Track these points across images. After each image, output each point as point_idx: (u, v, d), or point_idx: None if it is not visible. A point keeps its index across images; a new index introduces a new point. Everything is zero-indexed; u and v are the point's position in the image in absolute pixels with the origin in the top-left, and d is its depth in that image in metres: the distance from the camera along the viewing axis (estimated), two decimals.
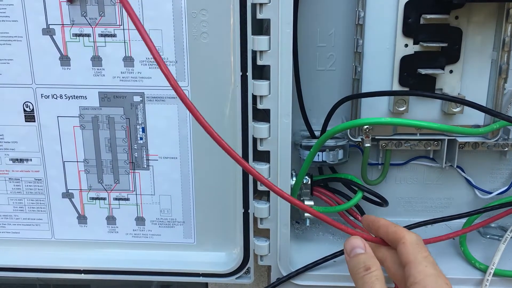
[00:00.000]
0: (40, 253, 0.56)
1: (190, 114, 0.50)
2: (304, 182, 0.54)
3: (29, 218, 0.56)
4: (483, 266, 0.52)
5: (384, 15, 0.51)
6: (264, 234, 0.52)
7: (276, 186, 0.41)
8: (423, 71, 0.51)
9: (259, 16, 0.45)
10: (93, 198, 0.54)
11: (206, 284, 0.63)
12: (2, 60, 0.50)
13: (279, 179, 0.49)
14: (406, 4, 0.50)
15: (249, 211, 0.51)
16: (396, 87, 0.52)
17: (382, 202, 0.54)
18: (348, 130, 0.55)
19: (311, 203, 0.54)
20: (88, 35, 0.49)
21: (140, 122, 0.51)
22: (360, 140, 0.55)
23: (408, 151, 0.58)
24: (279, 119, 0.47)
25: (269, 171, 0.49)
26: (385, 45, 0.52)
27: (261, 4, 0.44)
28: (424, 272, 0.39)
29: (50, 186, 0.54)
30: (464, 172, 0.59)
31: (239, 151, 0.49)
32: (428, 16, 0.50)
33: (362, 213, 0.57)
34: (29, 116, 0.52)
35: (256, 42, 0.46)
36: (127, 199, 0.54)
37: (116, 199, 0.54)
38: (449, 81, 0.52)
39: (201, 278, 0.54)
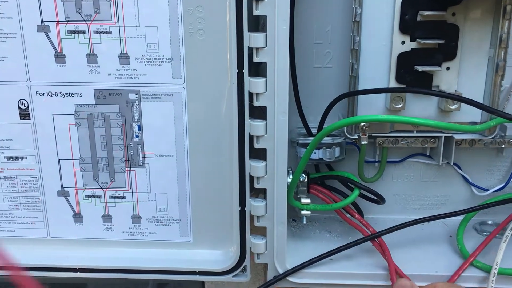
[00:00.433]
0: (35, 251, 0.55)
1: (187, 112, 0.50)
2: (301, 179, 0.53)
3: (24, 217, 0.55)
4: (480, 264, 0.52)
5: (381, 11, 0.51)
6: (261, 232, 0.52)
7: None
8: (420, 68, 0.51)
9: (256, 12, 0.45)
10: (88, 196, 0.54)
11: (203, 282, 0.63)
12: None
13: (275, 176, 0.49)
14: (403, 1, 0.50)
15: (245, 209, 0.51)
16: (393, 84, 0.52)
17: (379, 199, 0.54)
18: (345, 127, 0.55)
19: (308, 200, 0.54)
20: (83, 32, 0.48)
21: (136, 120, 0.51)
22: (356, 137, 0.55)
23: (405, 149, 0.58)
24: (275, 117, 0.47)
25: (265, 168, 0.49)
26: (382, 42, 0.52)
27: (257, 1, 0.44)
28: None
29: (45, 184, 0.54)
30: (460, 169, 0.59)
31: (235, 149, 0.49)
32: (425, 13, 0.49)
33: (359, 210, 0.57)
34: (24, 114, 0.51)
35: (253, 39, 0.45)
36: (123, 197, 0.54)
37: (112, 197, 0.54)
38: (446, 78, 0.52)
39: (197, 276, 0.54)
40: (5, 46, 0.49)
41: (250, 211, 0.51)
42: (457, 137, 0.54)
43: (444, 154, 0.55)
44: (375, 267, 0.53)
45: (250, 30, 0.46)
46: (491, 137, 0.54)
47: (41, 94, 0.51)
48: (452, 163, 0.56)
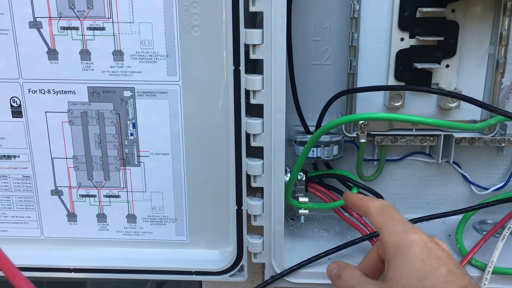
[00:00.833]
0: (29, 251, 0.55)
1: (182, 110, 0.49)
2: (299, 178, 0.53)
3: (17, 216, 0.54)
4: (479, 263, 0.52)
5: (380, 8, 0.50)
6: (258, 231, 0.52)
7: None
8: (419, 66, 0.50)
9: (252, 9, 0.44)
10: (82, 196, 0.53)
11: (200, 282, 0.63)
12: None
13: (272, 175, 0.48)
14: None
15: (242, 208, 0.50)
16: (392, 81, 0.52)
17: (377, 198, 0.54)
18: (343, 125, 0.54)
19: (306, 199, 0.53)
20: (76, 28, 0.47)
21: (130, 118, 0.50)
22: (355, 135, 0.54)
23: (404, 147, 0.57)
24: (272, 115, 0.46)
25: (262, 167, 0.48)
26: (381, 39, 0.51)
27: None
28: (393, 232, 0.38)
29: (38, 183, 0.53)
30: (460, 168, 0.58)
31: (232, 147, 0.48)
32: (424, 9, 0.49)
33: None
34: (16, 112, 0.51)
35: (249, 36, 0.45)
36: (118, 196, 0.53)
37: (106, 196, 0.53)
38: (446, 75, 0.51)
39: (194, 276, 0.53)
40: None
41: (247, 210, 0.50)
42: (457, 135, 0.53)
43: (443, 153, 0.55)
44: None
45: (246, 26, 0.45)
46: (491, 135, 0.53)
47: (33, 92, 0.50)
48: (451, 162, 0.55)
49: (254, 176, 0.49)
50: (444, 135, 0.54)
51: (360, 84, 0.52)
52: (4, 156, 0.52)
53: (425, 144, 0.55)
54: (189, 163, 0.51)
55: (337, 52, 0.55)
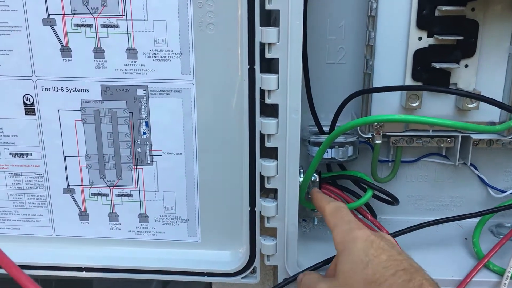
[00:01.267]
0: (40, 250, 0.54)
1: (196, 109, 0.49)
2: (312, 179, 0.52)
3: (29, 214, 0.54)
4: (497, 268, 0.51)
5: (398, 6, 0.49)
6: (271, 232, 0.51)
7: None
8: (437, 65, 0.49)
9: (268, 6, 0.43)
10: (95, 194, 0.53)
11: (210, 283, 0.62)
12: (1, 51, 0.48)
13: (287, 176, 0.48)
14: None
15: (255, 209, 0.49)
16: (409, 81, 0.51)
17: (393, 200, 0.53)
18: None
19: None
20: (90, 26, 0.47)
21: (143, 116, 0.50)
22: (370, 136, 0.53)
23: (420, 148, 0.56)
24: (288, 115, 0.46)
25: (276, 168, 0.47)
26: (398, 38, 0.50)
27: None
28: (340, 231, 0.41)
29: (50, 182, 0.53)
30: (477, 170, 0.57)
31: (245, 147, 0.48)
32: (444, 8, 0.48)
33: (371, 211, 0.56)
34: (29, 109, 0.50)
35: (265, 34, 0.44)
36: (130, 196, 0.52)
37: (118, 195, 0.53)
38: (464, 75, 0.50)
39: (205, 277, 0.52)
40: (9, 39, 0.48)
41: (260, 212, 0.50)
42: (475, 137, 0.52)
43: (460, 154, 0.54)
44: None
45: (262, 25, 0.44)
46: (510, 137, 0.52)
47: (46, 89, 0.49)
48: (469, 164, 0.54)
49: (268, 177, 0.48)
50: (462, 136, 0.53)
51: (376, 84, 0.51)
52: (17, 154, 0.52)
53: (441, 145, 0.54)
54: (202, 163, 0.51)
55: (352, 51, 0.54)
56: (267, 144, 0.47)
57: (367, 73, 0.52)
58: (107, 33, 0.47)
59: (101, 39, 0.47)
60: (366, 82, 0.52)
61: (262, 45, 0.45)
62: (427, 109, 0.52)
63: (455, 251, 0.55)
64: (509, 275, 0.49)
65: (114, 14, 0.46)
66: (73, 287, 0.63)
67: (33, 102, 0.50)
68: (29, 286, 0.28)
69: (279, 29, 0.43)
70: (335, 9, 0.53)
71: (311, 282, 0.44)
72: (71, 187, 0.53)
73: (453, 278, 0.50)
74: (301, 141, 0.53)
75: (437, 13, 0.48)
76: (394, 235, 0.51)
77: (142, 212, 0.53)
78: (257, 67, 0.45)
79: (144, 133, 0.50)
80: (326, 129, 0.55)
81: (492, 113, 0.52)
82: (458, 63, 0.50)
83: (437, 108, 0.52)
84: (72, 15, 0.47)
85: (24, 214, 0.54)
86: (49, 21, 0.47)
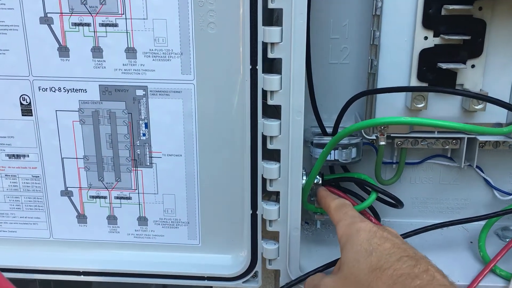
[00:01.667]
0: (37, 253, 0.54)
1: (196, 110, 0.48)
2: (315, 181, 0.51)
3: (26, 217, 0.53)
4: (504, 272, 0.50)
5: (403, 5, 0.48)
6: (273, 236, 0.50)
7: None
8: (443, 66, 0.48)
9: (271, 5, 0.42)
10: (93, 197, 0.52)
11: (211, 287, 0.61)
12: None
13: (289, 179, 0.47)
14: None
15: (257, 212, 0.48)
16: (414, 82, 0.50)
17: (397, 203, 0.52)
18: None
19: None
20: (88, 25, 0.46)
21: (143, 117, 0.49)
22: (374, 138, 0.52)
23: (424, 150, 0.55)
24: (290, 116, 0.45)
25: (279, 171, 0.46)
26: (403, 37, 0.49)
27: None
28: (344, 225, 0.42)
29: (48, 184, 0.52)
30: (483, 172, 0.56)
31: (247, 149, 0.47)
32: (450, 7, 0.47)
33: (375, 214, 0.55)
34: (26, 110, 0.49)
35: (267, 34, 0.43)
36: (129, 198, 0.52)
37: (117, 198, 0.52)
38: (471, 76, 0.49)
39: (206, 281, 0.52)
40: (6, 38, 0.47)
41: (262, 215, 0.49)
42: (481, 138, 0.51)
43: (466, 156, 0.53)
44: None
45: (264, 24, 0.43)
46: None
47: (43, 90, 0.48)
48: (475, 166, 0.53)
49: (270, 180, 0.47)
50: (468, 138, 0.52)
51: (381, 84, 0.50)
52: (13, 155, 0.51)
53: (447, 147, 0.53)
54: (203, 165, 0.50)
55: (356, 51, 0.53)
56: (269, 146, 0.46)
57: (371, 73, 0.51)
58: (106, 32, 0.46)
59: (100, 38, 0.46)
60: (371, 82, 0.51)
61: (265, 44, 0.44)
62: (433, 110, 0.50)
63: (461, 255, 0.54)
64: None
65: (113, 12, 0.45)
66: None
67: (30, 102, 0.49)
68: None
69: (282, 29, 0.42)
70: (339, 8, 0.52)
71: (315, 278, 0.44)
72: (68, 189, 0.52)
73: (459, 283, 0.49)
74: (304, 143, 0.52)
75: (443, 12, 0.47)
76: None
77: (141, 215, 0.52)
78: (259, 67, 0.44)
79: (144, 135, 0.49)
80: (329, 130, 0.54)
81: (499, 114, 0.51)
82: (464, 63, 0.48)
83: (443, 109, 0.51)
84: (70, 14, 0.46)
85: (21, 217, 0.53)
86: (46, 20, 0.46)
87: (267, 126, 0.45)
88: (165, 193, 0.51)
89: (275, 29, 0.43)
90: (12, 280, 0.53)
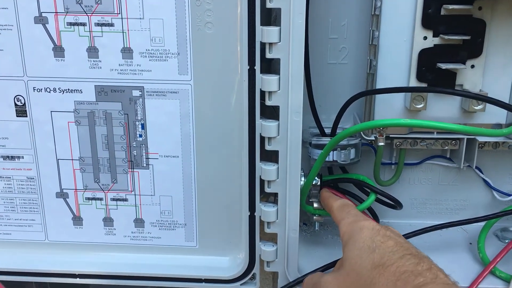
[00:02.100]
0: (32, 255, 0.53)
1: (194, 111, 0.47)
2: (314, 183, 0.51)
3: (21, 219, 0.53)
4: (504, 274, 0.49)
5: (402, 5, 0.47)
6: (271, 238, 0.49)
7: None
8: (443, 66, 0.48)
9: (269, 5, 0.42)
10: (89, 198, 0.51)
11: None
12: None
13: (288, 180, 0.46)
14: None
15: (255, 214, 0.48)
16: (414, 82, 0.49)
17: (396, 204, 0.51)
18: None
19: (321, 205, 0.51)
20: (84, 24, 0.45)
21: (139, 118, 0.48)
22: (373, 138, 0.52)
23: (424, 150, 0.55)
24: (289, 117, 0.44)
25: (277, 172, 0.46)
26: (403, 37, 0.49)
27: None
28: (347, 223, 0.42)
29: (43, 185, 0.51)
30: (482, 173, 0.56)
31: (245, 150, 0.46)
32: (450, 7, 0.46)
33: (374, 215, 0.54)
34: (21, 111, 0.49)
35: (266, 34, 0.42)
36: (125, 200, 0.51)
37: (113, 199, 0.51)
38: (471, 76, 0.49)
39: (203, 284, 0.51)
40: (0, 38, 0.46)
41: (260, 217, 0.48)
42: (480, 139, 0.51)
43: (465, 157, 0.52)
44: None
45: (262, 23, 0.43)
46: None
47: (38, 90, 0.48)
48: (474, 167, 0.53)
49: (268, 181, 0.47)
50: (467, 139, 0.52)
51: (380, 85, 0.50)
52: (8, 156, 0.50)
53: (446, 148, 0.53)
54: (200, 167, 0.49)
55: (355, 51, 0.53)
56: (267, 147, 0.46)
57: (370, 74, 0.50)
58: (102, 32, 0.45)
59: (95, 38, 0.46)
60: (369, 82, 0.50)
61: (263, 44, 0.43)
62: (432, 111, 0.50)
63: (460, 256, 0.53)
64: None
65: (108, 12, 0.45)
66: None
67: (24, 103, 0.48)
68: None
69: (280, 28, 0.42)
70: (337, 7, 0.51)
71: (313, 276, 0.44)
72: (64, 191, 0.51)
73: (459, 285, 0.49)
74: (302, 143, 0.51)
75: (443, 12, 0.47)
76: None
77: (138, 217, 0.52)
78: (257, 67, 0.44)
79: (140, 136, 0.49)
80: (327, 131, 0.53)
81: (498, 115, 0.51)
82: (464, 63, 0.48)
83: (442, 109, 0.50)
84: (65, 13, 0.45)
85: (15, 219, 0.53)
86: (41, 20, 0.45)
87: (265, 127, 0.45)
88: (162, 195, 0.51)
89: (274, 29, 0.42)
90: (8, 283, 0.52)
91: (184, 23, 0.45)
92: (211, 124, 0.48)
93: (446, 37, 0.47)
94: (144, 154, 0.49)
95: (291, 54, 0.42)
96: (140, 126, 0.48)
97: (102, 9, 0.45)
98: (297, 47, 0.42)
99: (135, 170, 0.50)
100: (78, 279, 0.52)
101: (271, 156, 0.47)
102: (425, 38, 0.48)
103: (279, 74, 0.43)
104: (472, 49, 0.48)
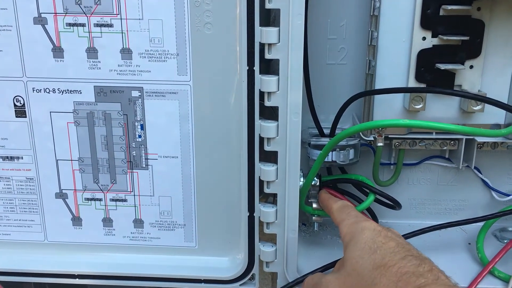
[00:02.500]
0: (32, 256, 0.53)
1: (193, 111, 0.47)
2: (313, 183, 0.51)
3: (20, 219, 0.53)
4: (502, 274, 0.49)
5: (401, 5, 0.48)
6: (270, 238, 0.49)
7: None
8: (441, 66, 0.48)
9: (268, 5, 0.42)
10: (88, 199, 0.51)
11: None
12: None
13: (287, 181, 0.46)
14: None
15: (254, 214, 0.48)
16: (413, 83, 0.49)
17: (395, 205, 0.51)
18: None
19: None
20: (83, 25, 0.45)
21: (138, 119, 0.48)
22: (372, 139, 0.52)
23: (422, 151, 0.55)
24: (288, 118, 0.44)
25: (276, 172, 0.46)
26: (402, 38, 0.49)
27: None
28: (347, 224, 0.42)
29: (42, 186, 0.51)
30: (480, 173, 0.56)
31: (244, 151, 0.46)
32: (449, 7, 0.46)
33: (373, 215, 0.54)
34: (20, 111, 0.49)
35: (265, 34, 0.42)
36: (125, 200, 0.51)
37: (112, 200, 0.51)
38: (469, 77, 0.49)
39: (202, 284, 0.51)
40: None
41: (259, 217, 0.48)
42: (479, 139, 0.51)
43: (464, 157, 0.52)
44: None
45: (261, 24, 0.43)
46: None
47: (37, 91, 0.48)
48: (473, 167, 0.53)
49: (268, 182, 0.47)
50: (466, 139, 0.52)
51: (379, 85, 0.50)
52: (7, 157, 0.50)
53: (445, 148, 0.53)
54: (199, 167, 0.49)
55: (353, 52, 0.53)
56: (266, 148, 0.46)
57: (369, 74, 0.50)
58: (101, 32, 0.45)
59: (95, 39, 0.46)
60: (368, 83, 0.50)
61: (262, 45, 0.43)
62: (431, 111, 0.50)
63: (459, 257, 0.53)
64: None
65: (108, 13, 0.45)
66: None
67: (23, 104, 0.48)
68: None
69: (279, 29, 0.42)
70: (336, 8, 0.51)
71: (314, 277, 0.44)
72: (63, 191, 0.51)
73: (458, 285, 0.49)
74: (301, 144, 0.51)
75: (441, 13, 0.47)
76: None
77: (137, 217, 0.52)
78: (256, 68, 0.44)
79: (139, 136, 0.49)
80: (326, 131, 0.53)
81: (497, 115, 0.51)
82: (463, 64, 0.48)
83: (441, 110, 0.50)
84: (64, 14, 0.45)
85: (15, 219, 0.53)
86: (40, 20, 0.45)
87: (264, 127, 0.45)
88: (161, 195, 0.51)
89: (273, 30, 0.42)
90: (6, 284, 0.52)
91: (183, 24, 0.45)
92: (210, 125, 0.48)
93: (445, 37, 0.47)
94: (143, 154, 0.49)
95: (290, 54, 0.42)
96: (139, 126, 0.48)
97: (101, 10, 0.45)
98: (296, 47, 0.42)
99: (134, 170, 0.50)
100: (77, 279, 0.52)
101: (270, 157, 0.47)
102: (424, 38, 0.48)
103: (278, 75, 0.43)
104: (471, 49, 0.48)
